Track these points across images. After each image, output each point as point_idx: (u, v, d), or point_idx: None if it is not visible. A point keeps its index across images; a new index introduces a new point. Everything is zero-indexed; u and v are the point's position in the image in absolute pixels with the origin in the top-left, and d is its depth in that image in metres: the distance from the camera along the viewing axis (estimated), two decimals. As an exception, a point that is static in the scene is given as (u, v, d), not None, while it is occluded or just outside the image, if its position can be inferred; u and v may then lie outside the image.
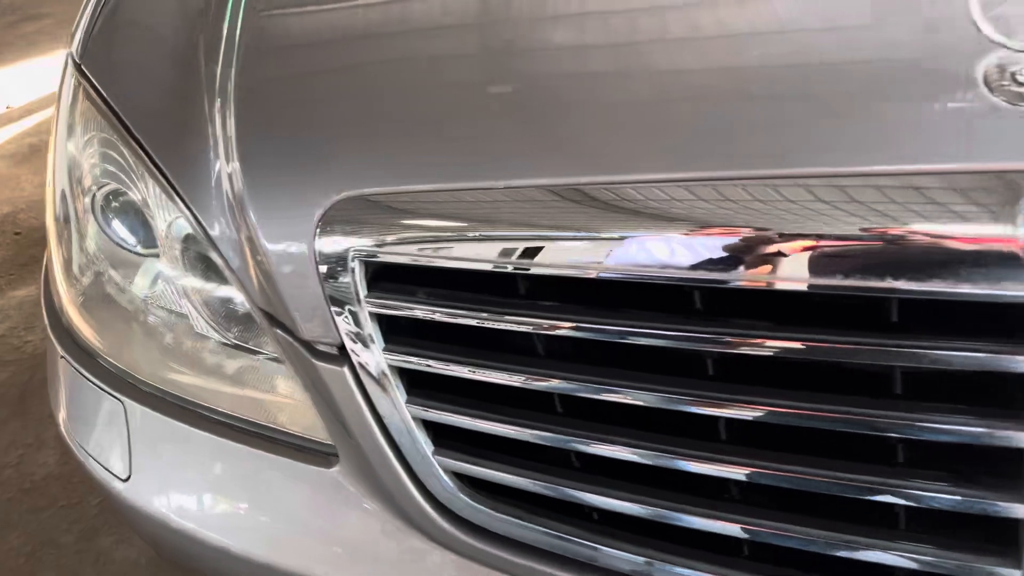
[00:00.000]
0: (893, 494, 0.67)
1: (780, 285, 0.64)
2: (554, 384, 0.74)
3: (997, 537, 0.67)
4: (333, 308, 0.81)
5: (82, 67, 1.13)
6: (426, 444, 0.82)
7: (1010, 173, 0.60)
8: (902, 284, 0.62)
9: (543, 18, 0.87)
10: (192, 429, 0.99)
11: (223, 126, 0.91)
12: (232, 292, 0.93)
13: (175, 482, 1.00)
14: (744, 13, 0.77)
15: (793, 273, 0.65)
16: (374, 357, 0.80)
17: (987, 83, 0.63)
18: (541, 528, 0.80)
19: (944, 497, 0.65)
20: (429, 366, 0.79)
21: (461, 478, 0.83)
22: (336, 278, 0.80)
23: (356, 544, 0.89)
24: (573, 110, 0.76)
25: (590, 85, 0.79)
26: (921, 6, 0.68)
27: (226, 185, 0.89)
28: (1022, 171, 0.60)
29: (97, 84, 1.09)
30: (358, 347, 0.81)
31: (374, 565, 0.88)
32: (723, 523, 0.72)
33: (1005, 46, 0.63)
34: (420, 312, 0.77)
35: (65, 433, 1.13)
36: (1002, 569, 0.65)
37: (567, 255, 0.71)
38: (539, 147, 0.76)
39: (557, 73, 0.81)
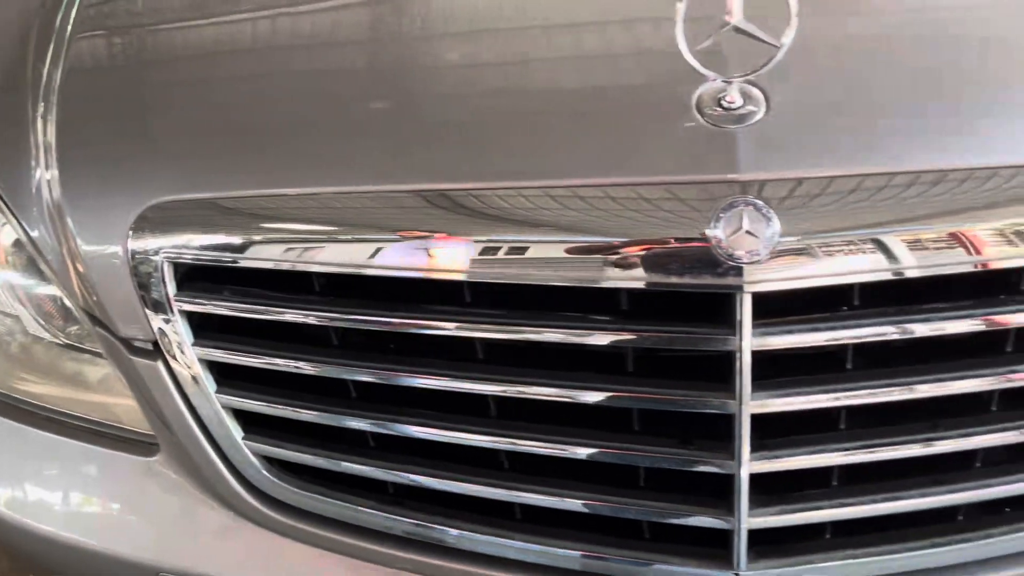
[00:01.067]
0: (633, 459, 0.78)
1: (521, 282, 0.75)
2: (346, 372, 0.82)
3: (719, 491, 0.79)
4: (145, 307, 0.87)
5: None
6: (236, 431, 0.89)
7: (713, 184, 0.72)
8: (625, 277, 0.73)
9: (376, 37, 0.95)
10: (24, 427, 1.04)
11: (44, 132, 0.96)
12: (59, 293, 0.98)
13: (6, 478, 1.03)
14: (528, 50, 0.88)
15: (553, 273, 0.75)
16: (184, 352, 0.87)
17: (699, 109, 0.74)
18: (343, 503, 0.89)
19: (671, 459, 0.77)
20: (235, 358, 0.86)
21: (271, 461, 0.91)
22: (147, 279, 0.86)
23: (176, 527, 0.95)
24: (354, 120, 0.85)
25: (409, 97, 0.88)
26: (641, 42, 0.80)
27: (45, 192, 0.93)
28: (722, 182, 0.72)
29: None
30: (170, 343, 0.87)
31: (193, 546, 0.94)
32: (495, 490, 0.82)
33: (710, 77, 0.74)
34: (226, 309, 0.84)
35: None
36: (716, 520, 0.78)
37: (355, 255, 0.79)
38: (329, 156, 0.84)
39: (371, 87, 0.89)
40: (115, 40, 1.08)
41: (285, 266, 0.81)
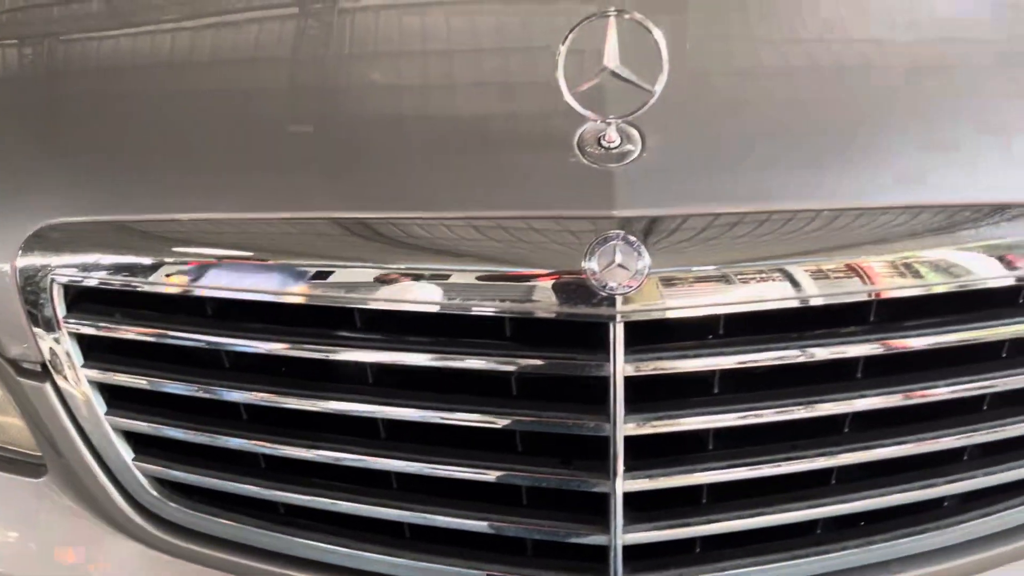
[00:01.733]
0: (515, 479, 0.82)
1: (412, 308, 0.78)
2: (235, 395, 0.84)
3: (597, 509, 0.83)
4: (34, 328, 0.86)
5: None
6: (126, 452, 0.89)
7: (589, 219, 0.76)
8: (507, 306, 0.76)
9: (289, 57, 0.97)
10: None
11: None
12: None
13: None
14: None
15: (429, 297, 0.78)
16: (73, 373, 0.87)
17: (580, 148, 0.79)
18: (234, 523, 0.90)
19: (551, 478, 0.81)
20: (126, 380, 0.86)
21: (161, 482, 0.91)
22: (36, 300, 0.85)
23: (64, 548, 0.94)
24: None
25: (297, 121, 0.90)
26: (526, 84, 0.85)
27: None
28: (598, 217, 0.76)
29: None
30: (59, 364, 0.87)
31: (82, 569, 0.94)
32: (384, 509, 0.85)
33: (590, 117, 0.79)
34: (117, 332, 0.84)
35: None
36: (595, 536, 0.82)
37: (267, 281, 0.81)
38: (245, 181, 0.86)
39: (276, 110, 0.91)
40: (17, 54, 1.08)
41: (196, 292, 0.82)
